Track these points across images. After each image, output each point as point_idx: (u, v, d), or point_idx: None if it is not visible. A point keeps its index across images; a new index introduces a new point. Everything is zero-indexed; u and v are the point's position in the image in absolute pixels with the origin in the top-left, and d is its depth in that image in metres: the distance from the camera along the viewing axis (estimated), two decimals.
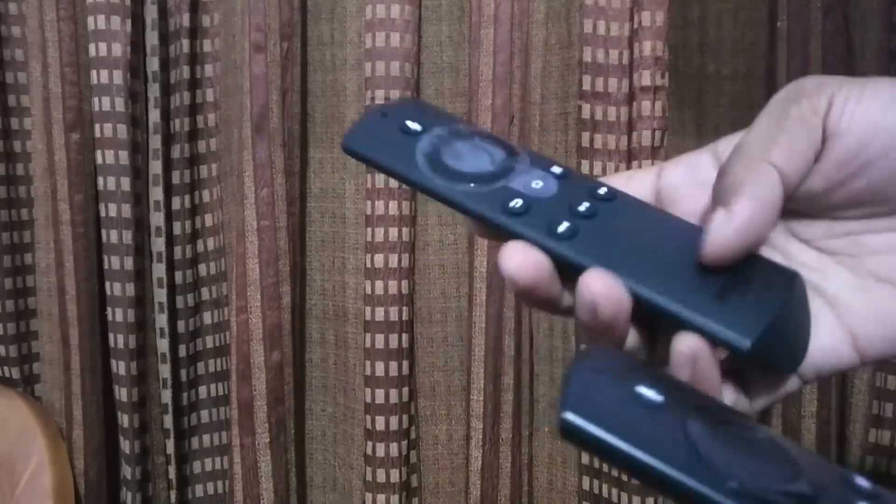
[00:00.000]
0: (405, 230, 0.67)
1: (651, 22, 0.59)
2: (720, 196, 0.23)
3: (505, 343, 0.67)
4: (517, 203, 0.24)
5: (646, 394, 0.19)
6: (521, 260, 0.22)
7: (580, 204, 0.24)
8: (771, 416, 0.63)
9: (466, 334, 0.68)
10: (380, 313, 0.67)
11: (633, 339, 0.23)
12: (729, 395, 0.23)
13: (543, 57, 0.66)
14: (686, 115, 0.65)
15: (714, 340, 0.21)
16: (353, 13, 0.70)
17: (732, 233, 0.22)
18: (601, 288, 0.21)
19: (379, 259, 0.66)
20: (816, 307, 0.23)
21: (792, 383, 0.23)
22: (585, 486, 0.68)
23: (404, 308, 0.67)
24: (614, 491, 0.65)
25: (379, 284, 0.66)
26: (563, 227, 0.23)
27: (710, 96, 0.64)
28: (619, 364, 0.21)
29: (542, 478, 0.70)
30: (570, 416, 0.18)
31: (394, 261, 0.67)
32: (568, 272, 0.23)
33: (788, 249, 0.24)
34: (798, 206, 0.24)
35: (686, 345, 0.21)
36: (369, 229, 0.67)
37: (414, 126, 0.27)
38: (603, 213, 0.24)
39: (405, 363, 0.68)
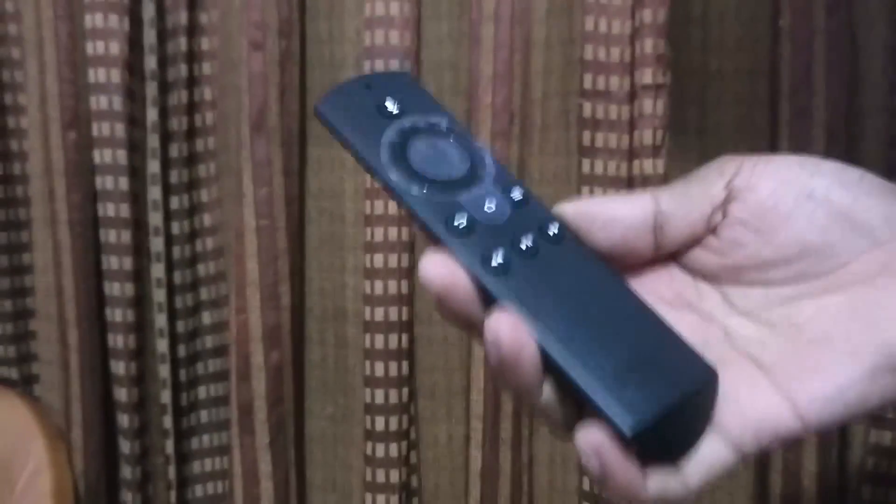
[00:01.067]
0: (405, 230, 0.67)
1: (653, 19, 0.59)
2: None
3: None
4: (461, 222, 0.23)
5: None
6: (438, 273, 0.22)
7: (524, 239, 0.23)
8: None
9: (466, 334, 0.68)
10: (379, 313, 0.66)
11: (549, 393, 0.22)
12: (656, 480, 0.22)
13: (544, 54, 0.65)
14: (688, 114, 0.64)
15: (601, 416, 0.21)
16: (352, 10, 0.69)
17: (574, 206, 0.24)
18: (506, 330, 0.21)
19: (378, 259, 0.66)
20: (755, 378, 0.23)
21: (726, 457, 0.22)
22: (586, 486, 0.68)
23: (404, 308, 0.67)
24: None
25: (378, 284, 0.66)
26: (497, 260, 0.23)
27: (713, 94, 0.64)
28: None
29: (542, 478, 0.70)
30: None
31: (393, 261, 0.66)
32: (491, 304, 0.22)
33: (728, 323, 0.25)
34: (731, 271, 0.25)
35: (586, 439, 0.21)
36: (369, 229, 0.66)
37: (391, 107, 0.26)
38: (543, 254, 0.23)
39: (405, 363, 0.68)
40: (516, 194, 0.25)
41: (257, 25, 0.66)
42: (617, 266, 0.25)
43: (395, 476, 0.68)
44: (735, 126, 0.64)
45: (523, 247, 0.23)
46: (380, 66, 0.65)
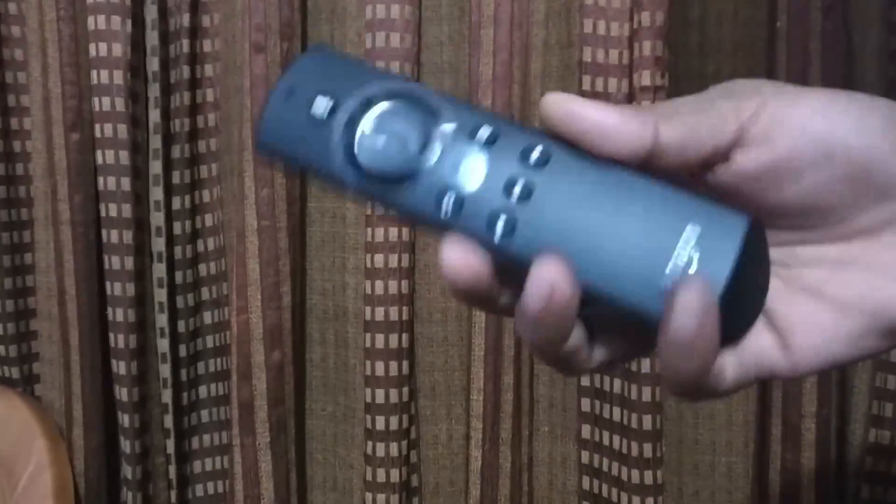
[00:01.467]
0: (405, 230, 0.67)
1: (651, 22, 0.59)
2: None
3: (505, 343, 0.67)
4: (449, 201, 0.22)
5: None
6: (460, 261, 0.21)
7: (514, 184, 0.22)
8: (770, 416, 0.63)
9: (466, 334, 0.68)
10: (380, 313, 0.67)
11: (577, 334, 0.22)
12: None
13: (543, 57, 0.66)
14: None
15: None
16: (353, 13, 0.70)
17: (567, 107, 0.21)
18: (557, 275, 0.20)
19: (379, 259, 0.66)
20: None
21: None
22: (585, 486, 0.68)
23: (404, 308, 0.67)
24: (614, 491, 0.65)
25: (379, 284, 0.67)
26: (501, 223, 0.21)
27: None
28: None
29: (541, 478, 0.70)
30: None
31: (394, 261, 0.67)
32: (509, 269, 0.21)
33: None
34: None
35: (693, 288, 0.20)
36: (369, 229, 0.67)
37: (323, 104, 0.23)
38: (540, 187, 0.22)
39: (405, 363, 0.68)
40: (483, 133, 0.22)
41: (259, 28, 0.66)
42: None
43: (395, 475, 0.68)
44: None
45: (517, 192, 0.22)
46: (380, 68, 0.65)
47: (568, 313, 0.21)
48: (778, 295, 0.23)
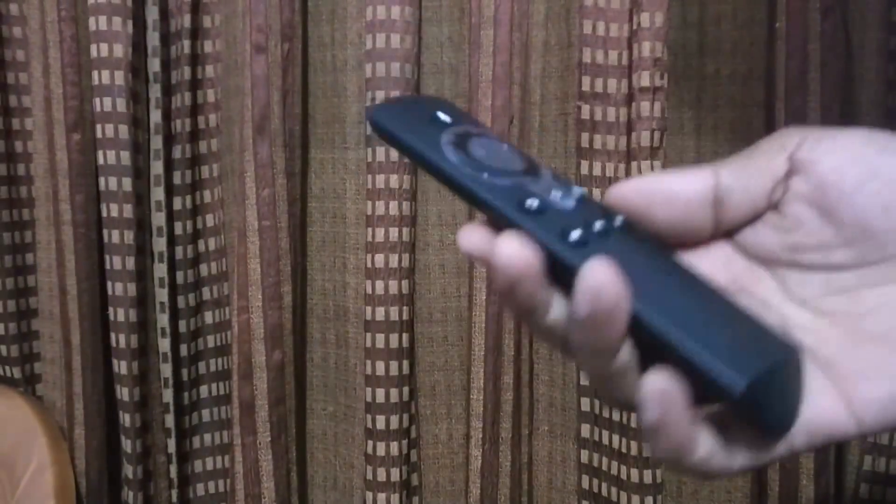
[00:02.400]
0: (405, 230, 0.67)
1: (650, 23, 0.59)
2: None
3: (505, 343, 0.67)
4: (533, 203, 0.23)
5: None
6: (516, 251, 0.21)
7: (596, 222, 0.23)
8: None
9: (466, 334, 0.68)
10: (380, 313, 0.67)
11: (627, 354, 0.22)
12: (704, 443, 0.21)
13: (543, 58, 0.66)
14: (685, 116, 0.65)
15: (705, 378, 0.20)
16: (354, 14, 0.70)
17: (637, 182, 0.23)
18: (606, 275, 0.20)
19: (379, 259, 0.67)
20: (810, 371, 0.22)
21: (779, 449, 0.22)
22: (585, 485, 0.68)
23: (405, 308, 0.68)
24: (614, 490, 0.65)
25: (379, 284, 0.67)
26: (576, 234, 0.22)
27: (710, 97, 0.65)
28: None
29: (541, 477, 0.70)
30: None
31: (394, 261, 0.67)
32: (568, 279, 0.22)
33: (784, 312, 0.24)
34: (790, 250, 0.24)
35: (655, 383, 0.20)
36: (370, 229, 0.67)
37: (443, 117, 0.27)
38: (617, 237, 0.23)
39: (405, 362, 0.68)
40: (577, 191, 0.25)
41: (260, 29, 0.66)
42: (675, 245, 0.25)
43: (395, 474, 0.68)
44: (731, 128, 0.64)
45: (597, 228, 0.23)
46: (381, 68, 0.65)
47: (615, 319, 0.20)
48: (840, 346, 0.22)
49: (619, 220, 0.24)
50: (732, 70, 0.64)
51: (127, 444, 0.74)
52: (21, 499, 0.71)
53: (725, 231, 0.25)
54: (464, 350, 0.70)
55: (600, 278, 0.20)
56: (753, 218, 0.24)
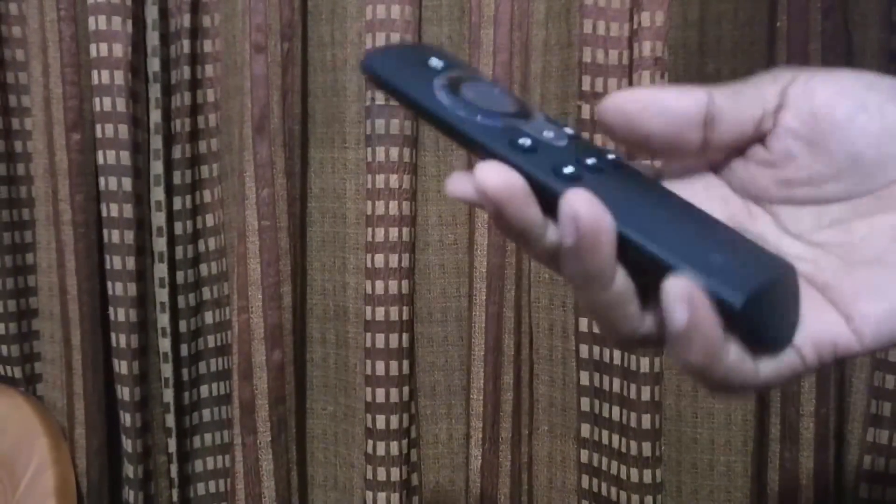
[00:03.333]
0: (405, 230, 0.67)
1: (651, 22, 0.59)
2: None
3: (505, 343, 0.67)
4: (526, 141, 0.24)
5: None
6: (497, 173, 0.21)
7: (588, 158, 0.24)
8: (770, 415, 0.63)
9: (466, 334, 0.68)
10: (380, 313, 0.67)
11: (622, 282, 0.22)
12: (734, 352, 0.21)
13: (543, 57, 0.66)
14: None
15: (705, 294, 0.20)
16: (354, 14, 0.70)
17: (624, 94, 0.23)
18: (584, 203, 0.21)
19: (379, 259, 0.67)
20: (809, 295, 0.23)
21: (795, 361, 0.22)
22: (585, 485, 0.68)
23: (404, 308, 0.68)
24: (613, 490, 0.65)
25: (379, 284, 0.67)
26: (568, 170, 0.23)
27: None
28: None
29: (541, 477, 0.70)
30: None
31: (394, 261, 0.67)
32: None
33: (780, 244, 0.25)
34: (782, 186, 0.25)
35: (678, 286, 0.20)
36: (370, 229, 0.67)
37: (436, 63, 0.27)
38: (609, 172, 0.24)
39: (405, 362, 0.68)
40: (569, 129, 0.25)
41: (259, 28, 0.66)
42: (667, 163, 0.26)
43: (395, 474, 0.68)
44: None
45: (590, 163, 0.24)
46: None
47: (599, 245, 0.21)
48: (836, 271, 0.23)
49: (610, 156, 0.25)
50: (733, 69, 0.64)
51: (127, 444, 0.74)
52: (21, 498, 0.71)
53: (716, 151, 0.25)
54: (464, 350, 0.70)
55: (580, 204, 0.21)
56: (742, 144, 0.25)
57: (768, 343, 0.22)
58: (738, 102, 0.24)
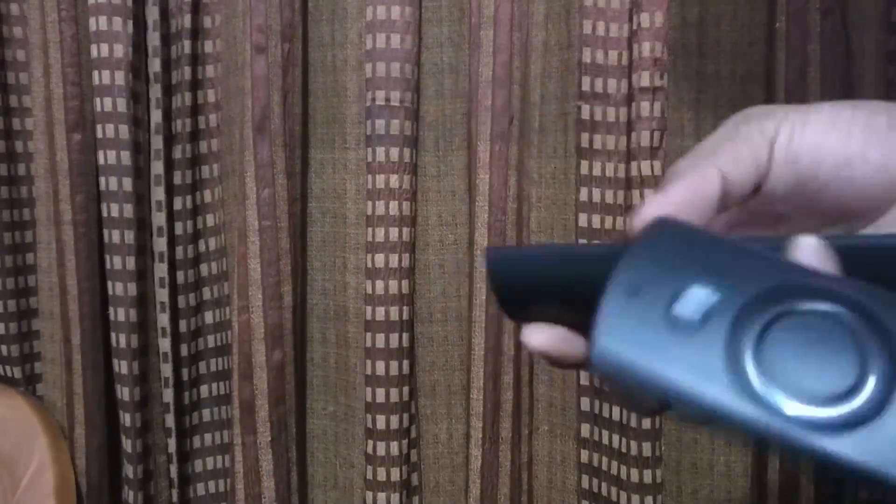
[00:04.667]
0: (405, 230, 0.67)
1: (650, 23, 0.59)
2: (661, 185, 0.24)
3: (505, 343, 0.67)
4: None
5: (682, 314, 0.16)
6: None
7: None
8: None
9: (466, 334, 0.68)
10: (380, 313, 0.67)
11: None
12: None
13: (543, 58, 0.66)
14: (685, 116, 0.65)
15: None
16: (354, 14, 0.70)
17: (656, 208, 0.23)
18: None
19: (379, 259, 0.67)
20: None
21: None
22: (585, 485, 0.68)
23: (405, 308, 0.68)
24: (613, 490, 0.65)
25: (380, 284, 0.67)
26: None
27: (709, 97, 0.65)
28: (665, 265, 0.17)
29: (541, 477, 0.70)
30: (599, 355, 0.17)
31: (394, 261, 0.67)
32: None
33: None
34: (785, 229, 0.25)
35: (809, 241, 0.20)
36: (370, 229, 0.67)
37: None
38: None
39: (405, 362, 0.68)
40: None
41: (260, 29, 0.67)
42: None
43: (395, 474, 0.68)
44: None
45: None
46: (381, 68, 0.65)
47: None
48: None
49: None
50: (732, 70, 0.64)
51: (127, 444, 0.74)
52: (21, 498, 0.71)
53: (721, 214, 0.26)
54: (464, 350, 0.71)
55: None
56: (741, 202, 0.25)
57: None
58: (740, 168, 0.24)
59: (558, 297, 0.21)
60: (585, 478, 0.68)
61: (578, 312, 0.19)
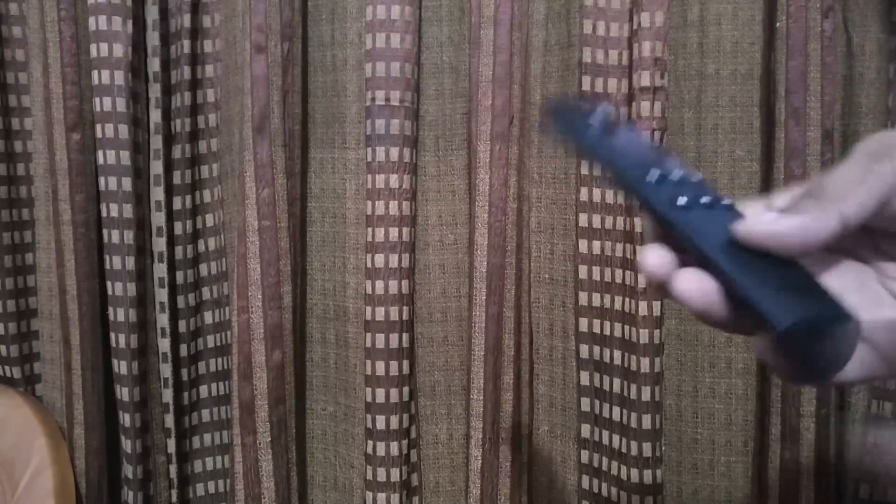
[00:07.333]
0: (405, 230, 0.67)
1: (650, 23, 0.59)
2: (786, 203, 0.26)
3: (505, 343, 0.67)
4: (683, 201, 0.27)
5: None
6: (696, 285, 0.25)
7: (703, 197, 0.28)
8: (770, 415, 0.63)
9: (466, 334, 0.68)
10: (380, 313, 0.67)
11: (733, 319, 0.26)
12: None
13: (543, 57, 0.66)
14: (685, 116, 0.65)
15: (759, 316, 0.24)
16: (354, 14, 0.70)
17: (766, 228, 0.25)
18: (692, 284, 0.25)
19: (379, 259, 0.67)
20: None
21: (877, 366, 0.25)
22: (585, 485, 0.68)
23: (404, 308, 0.68)
24: (614, 490, 0.65)
25: (379, 284, 0.67)
26: (682, 200, 0.27)
27: (710, 97, 0.65)
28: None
29: (541, 477, 0.70)
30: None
31: (394, 261, 0.67)
32: (678, 238, 0.27)
33: (880, 295, 0.26)
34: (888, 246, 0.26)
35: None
36: (370, 229, 0.67)
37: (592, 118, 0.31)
38: (717, 209, 0.28)
39: (405, 362, 0.68)
40: (695, 175, 0.29)
41: (260, 28, 0.66)
42: None
43: (395, 474, 0.68)
44: (731, 127, 0.64)
45: (702, 201, 0.28)
46: (381, 68, 0.65)
47: (712, 308, 0.25)
48: None
49: (726, 200, 0.28)
50: (733, 70, 0.64)
51: (127, 444, 0.74)
52: (21, 498, 0.71)
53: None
54: (464, 350, 0.70)
55: (687, 288, 0.25)
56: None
57: (809, 369, 0.24)
58: (865, 212, 0.25)
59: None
60: (586, 478, 0.68)
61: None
